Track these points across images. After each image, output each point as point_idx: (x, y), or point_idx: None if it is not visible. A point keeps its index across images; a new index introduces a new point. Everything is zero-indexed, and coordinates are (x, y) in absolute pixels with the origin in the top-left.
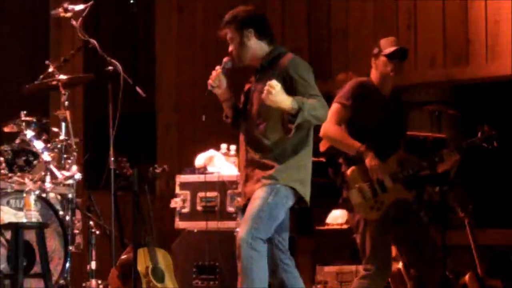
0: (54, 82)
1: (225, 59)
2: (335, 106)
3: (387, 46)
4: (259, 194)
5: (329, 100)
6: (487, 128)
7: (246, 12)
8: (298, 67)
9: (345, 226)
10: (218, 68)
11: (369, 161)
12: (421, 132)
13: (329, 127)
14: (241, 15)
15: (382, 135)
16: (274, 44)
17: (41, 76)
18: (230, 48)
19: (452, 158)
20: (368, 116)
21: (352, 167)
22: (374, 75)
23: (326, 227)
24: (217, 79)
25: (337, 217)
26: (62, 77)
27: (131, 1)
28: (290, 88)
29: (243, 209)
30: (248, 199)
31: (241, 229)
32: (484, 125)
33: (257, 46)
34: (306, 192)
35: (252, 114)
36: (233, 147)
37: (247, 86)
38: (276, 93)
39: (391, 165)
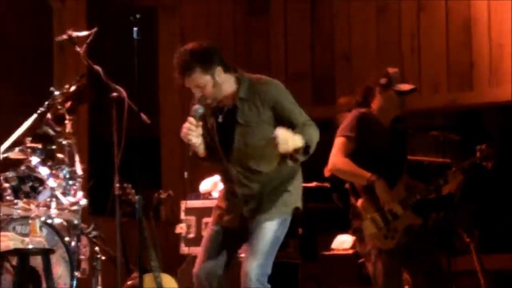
0: (60, 111)
1: (195, 107)
2: (340, 140)
3: (398, 81)
4: (269, 226)
5: (332, 125)
6: (485, 147)
7: (205, 49)
8: (285, 94)
9: (350, 251)
10: (190, 119)
11: (380, 189)
12: (425, 157)
13: (338, 160)
14: (202, 55)
15: (385, 164)
16: (234, 71)
17: (46, 103)
18: (198, 94)
19: (456, 179)
20: (371, 147)
21: (362, 199)
22: (377, 104)
23: (331, 252)
24: (194, 131)
25: (342, 242)
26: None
27: (136, 16)
28: (279, 115)
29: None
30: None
31: (251, 262)
32: (482, 145)
33: (227, 81)
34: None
35: (243, 149)
36: None
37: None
38: (286, 140)
39: (399, 192)
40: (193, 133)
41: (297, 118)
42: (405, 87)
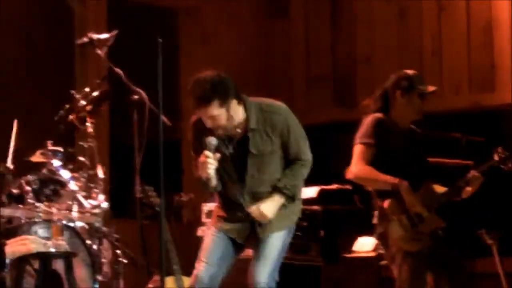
0: (81, 114)
1: (208, 139)
2: (359, 147)
3: (421, 82)
4: (278, 236)
5: (353, 128)
6: (502, 150)
7: (224, 82)
8: (295, 125)
9: (372, 254)
10: (207, 153)
11: (406, 192)
12: (447, 159)
13: (359, 169)
14: (221, 88)
15: (406, 168)
16: (241, 99)
17: (67, 106)
18: (210, 125)
19: (476, 181)
20: (390, 151)
21: (388, 201)
22: (398, 108)
23: (353, 254)
24: (213, 164)
25: (364, 245)
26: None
27: (159, 40)
28: (284, 144)
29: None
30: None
31: (263, 269)
32: (498, 147)
33: (238, 112)
34: None
35: (257, 177)
36: None
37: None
38: (266, 215)
39: (423, 195)
40: (212, 166)
41: (299, 154)
42: (428, 88)
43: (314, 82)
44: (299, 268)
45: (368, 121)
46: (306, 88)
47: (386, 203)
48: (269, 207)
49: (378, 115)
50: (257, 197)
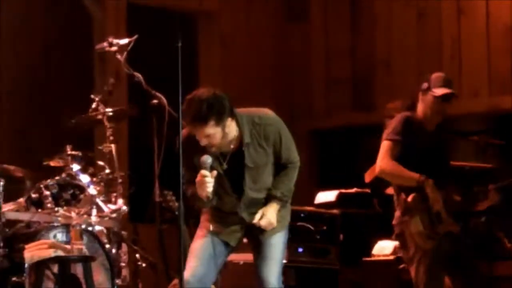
0: (100, 116)
1: (203, 158)
2: (386, 143)
3: (437, 85)
4: (279, 237)
5: (372, 131)
6: None
7: (221, 101)
8: (285, 133)
9: (391, 257)
10: (204, 172)
11: (432, 191)
12: (466, 163)
13: (385, 164)
14: (218, 108)
15: (429, 168)
16: (234, 115)
17: (89, 110)
18: (205, 143)
19: (495, 197)
20: (416, 150)
21: (413, 194)
22: (420, 109)
23: (372, 258)
24: (211, 182)
25: (383, 248)
26: (108, 110)
27: (178, 44)
28: (276, 152)
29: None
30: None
31: (271, 271)
32: None
33: (232, 128)
34: None
35: (253, 187)
36: None
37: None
38: (273, 222)
39: (443, 197)
40: (210, 185)
41: (290, 157)
42: (439, 91)
43: (333, 85)
44: (318, 272)
45: (397, 118)
46: (325, 91)
47: (410, 197)
48: (273, 215)
49: (407, 113)
50: (252, 204)
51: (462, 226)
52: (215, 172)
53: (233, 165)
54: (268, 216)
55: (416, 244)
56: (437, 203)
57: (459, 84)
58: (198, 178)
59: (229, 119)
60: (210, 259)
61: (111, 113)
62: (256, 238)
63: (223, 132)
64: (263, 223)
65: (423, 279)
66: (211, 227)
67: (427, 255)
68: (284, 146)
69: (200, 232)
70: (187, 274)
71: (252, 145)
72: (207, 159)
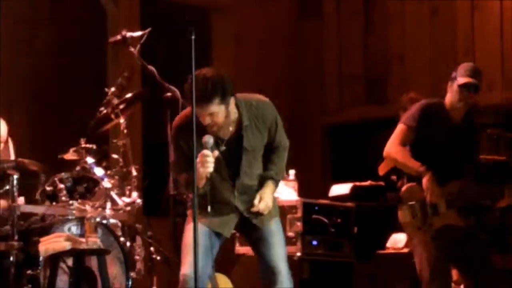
0: (113, 116)
1: (205, 138)
2: (400, 127)
3: (463, 74)
4: (277, 225)
5: (384, 125)
6: None
7: (225, 80)
8: (278, 115)
9: (405, 250)
10: (206, 152)
11: (427, 181)
12: (481, 155)
13: (393, 148)
14: (223, 86)
15: (446, 159)
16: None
17: (100, 105)
18: (208, 122)
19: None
20: (433, 139)
21: (408, 184)
22: (447, 97)
23: (386, 251)
24: (212, 162)
25: (397, 241)
26: (124, 97)
27: (190, 28)
28: (270, 135)
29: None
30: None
31: (281, 258)
32: None
33: (233, 109)
34: None
35: (248, 172)
36: (292, 172)
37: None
38: (270, 205)
39: (450, 190)
40: (211, 165)
41: (282, 140)
42: (462, 80)
43: (346, 81)
44: (332, 265)
45: (417, 104)
46: (339, 87)
47: (404, 188)
48: (270, 197)
49: (431, 100)
50: (246, 192)
51: (475, 220)
52: (216, 152)
53: (231, 149)
54: (266, 199)
55: (408, 232)
56: (433, 195)
57: None
58: (199, 159)
59: (232, 99)
60: (206, 252)
61: (124, 103)
62: (252, 227)
63: (227, 111)
64: (261, 206)
65: (426, 272)
66: (203, 220)
67: (427, 247)
68: (279, 130)
69: (187, 225)
70: (186, 270)
71: (250, 128)
72: (209, 138)
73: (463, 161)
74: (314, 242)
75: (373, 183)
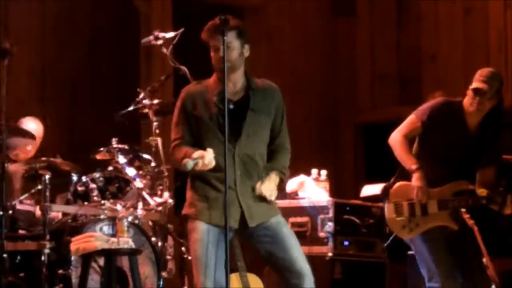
0: (146, 110)
1: (184, 161)
2: (411, 117)
3: (477, 78)
4: (284, 222)
5: None
6: None
7: (242, 23)
8: (284, 109)
9: None
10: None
11: (415, 180)
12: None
13: (396, 137)
14: (240, 24)
15: (450, 162)
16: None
17: (132, 104)
18: (221, 54)
19: None
20: (439, 138)
21: (400, 183)
22: (465, 100)
23: None
24: (211, 160)
25: None
26: (155, 101)
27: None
28: (273, 124)
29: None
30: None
31: (302, 258)
32: None
33: (242, 67)
34: None
35: (251, 137)
36: (323, 172)
37: (213, 96)
38: (274, 192)
39: (444, 192)
40: (213, 161)
41: (285, 140)
42: (474, 84)
43: (379, 80)
44: (365, 265)
45: (432, 101)
46: (372, 86)
47: (395, 186)
48: (273, 185)
49: (449, 99)
50: (247, 169)
51: (483, 222)
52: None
53: (238, 109)
54: (266, 182)
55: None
56: (422, 195)
57: (506, 78)
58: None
59: (248, 47)
60: (219, 258)
61: (157, 106)
62: (260, 232)
63: (240, 51)
64: (264, 190)
65: (430, 256)
66: (205, 216)
67: (417, 246)
68: (284, 125)
69: (195, 235)
70: (204, 284)
71: (258, 94)
72: (187, 163)
73: (465, 166)
74: (346, 243)
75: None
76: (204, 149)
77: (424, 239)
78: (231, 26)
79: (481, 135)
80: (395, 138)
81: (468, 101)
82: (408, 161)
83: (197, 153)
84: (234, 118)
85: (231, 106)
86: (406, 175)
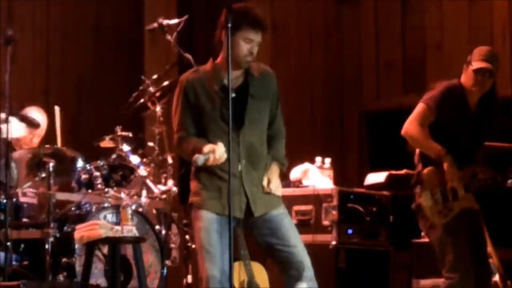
0: (149, 104)
1: (195, 157)
2: (421, 106)
3: (478, 58)
4: (286, 213)
5: None
6: None
7: None
8: (279, 95)
9: None
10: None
11: (448, 166)
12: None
13: (412, 127)
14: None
15: (460, 143)
16: None
17: (135, 93)
18: (251, 50)
19: None
20: (449, 123)
21: (429, 168)
22: (462, 80)
23: (422, 239)
24: (223, 154)
25: None
26: (164, 83)
27: (227, 15)
28: (271, 110)
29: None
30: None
31: (302, 248)
32: None
33: None
34: None
35: (253, 124)
36: (327, 160)
37: (213, 85)
38: (280, 186)
39: (466, 175)
40: (224, 155)
41: (280, 125)
42: (476, 64)
43: (384, 69)
44: (368, 253)
45: (439, 87)
46: (377, 74)
47: (426, 170)
48: (277, 178)
49: (453, 83)
50: (251, 159)
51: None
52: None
53: (239, 96)
54: (273, 179)
55: (428, 217)
56: (454, 180)
57: (511, 67)
58: (213, 161)
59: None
60: (223, 247)
61: (161, 91)
62: (262, 223)
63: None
64: (273, 187)
65: (451, 255)
66: (210, 205)
67: (450, 231)
68: (279, 110)
69: (199, 223)
70: (210, 271)
71: (256, 80)
72: (198, 159)
73: (475, 147)
74: (350, 231)
75: (408, 171)
76: (207, 139)
77: (448, 231)
78: (265, 27)
79: (479, 115)
80: (412, 129)
81: (469, 81)
82: (434, 148)
83: (208, 147)
84: (235, 106)
85: (233, 94)
86: (429, 161)
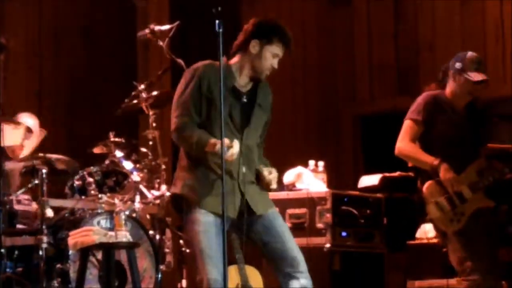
0: (143, 104)
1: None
2: (407, 123)
3: (472, 67)
4: (276, 212)
5: None
6: None
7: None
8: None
9: (435, 240)
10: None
11: (444, 174)
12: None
13: (403, 145)
14: None
15: (456, 148)
16: None
17: (128, 99)
18: (274, 65)
19: None
20: (441, 130)
21: (428, 182)
22: (450, 87)
23: (416, 241)
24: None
25: (427, 231)
26: (154, 93)
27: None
28: (267, 120)
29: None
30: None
31: (293, 245)
32: None
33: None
34: None
35: (254, 131)
36: (321, 164)
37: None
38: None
39: (469, 176)
40: (233, 150)
41: (264, 134)
42: (476, 77)
43: (377, 71)
44: (363, 256)
45: (420, 97)
46: (370, 76)
47: (425, 186)
48: (277, 174)
49: (433, 92)
50: (247, 153)
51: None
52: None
53: (247, 102)
54: (275, 174)
55: (439, 228)
56: (454, 184)
57: (503, 67)
58: (231, 157)
59: None
60: (222, 252)
61: (153, 99)
62: (255, 218)
63: None
64: (273, 178)
65: (469, 260)
66: (206, 204)
67: (465, 236)
68: (269, 120)
69: (197, 227)
70: (213, 275)
71: (262, 90)
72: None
73: (473, 147)
74: (344, 234)
75: (402, 174)
76: (212, 134)
77: (461, 236)
78: (292, 46)
79: (469, 117)
80: (403, 146)
81: (463, 90)
82: (427, 160)
83: (227, 141)
84: (245, 109)
85: (244, 100)
86: (426, 174)
